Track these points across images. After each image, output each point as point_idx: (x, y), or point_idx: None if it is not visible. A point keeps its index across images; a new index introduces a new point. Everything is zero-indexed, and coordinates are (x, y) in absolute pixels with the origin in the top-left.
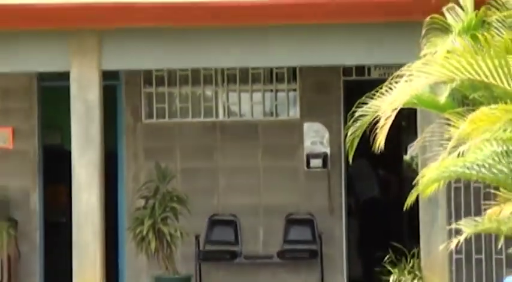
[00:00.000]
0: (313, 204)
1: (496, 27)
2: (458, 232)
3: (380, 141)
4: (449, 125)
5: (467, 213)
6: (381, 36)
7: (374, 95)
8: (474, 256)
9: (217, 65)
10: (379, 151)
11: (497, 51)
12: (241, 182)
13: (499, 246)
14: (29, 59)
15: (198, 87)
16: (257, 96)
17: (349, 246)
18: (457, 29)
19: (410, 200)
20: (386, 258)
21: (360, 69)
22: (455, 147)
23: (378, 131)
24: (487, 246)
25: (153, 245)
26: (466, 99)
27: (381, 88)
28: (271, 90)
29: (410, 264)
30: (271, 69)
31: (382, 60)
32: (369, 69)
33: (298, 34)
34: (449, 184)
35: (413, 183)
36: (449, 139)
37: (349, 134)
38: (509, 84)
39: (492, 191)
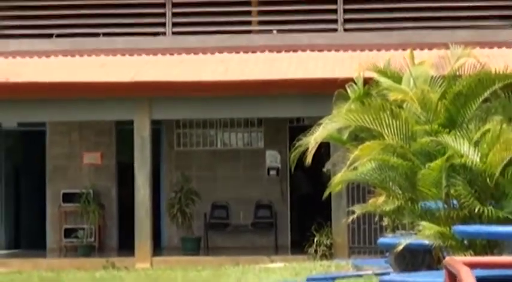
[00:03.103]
0: (271, 196)
1: (375, 96)
2: (353, 212)
3: (309, 159)
4: (348, 152)
5: (358, 201)
6: (310, 101)
7: (306, 134)
8: (362, 226)
9: (219, 116)
10: (308, 166)
11: (374, 109)
12: (230, 184)
13: (376, 220)
14: (110, 112)
15: (206, 129)
16: (239, 135)
17: (292, 221)
18: (353, 97)
19: (326, 194)
20: (312, 227)
21: (298, 119)
22: (351, 164)
23: (308, 153)
24: (369, 220)
25: (180, 220)
26: (357, 137)
27: (310, 130)
28: (248, 132)
29: (326, 231)
30: (247, 119)
31: (310, 114)
32: (303, 119)
33: (263, 100)
34: (348, 185)
35: (328, 184)
36: (348, 160)
37: (291, 157)
38: (380, 129)
39: (372, 188)
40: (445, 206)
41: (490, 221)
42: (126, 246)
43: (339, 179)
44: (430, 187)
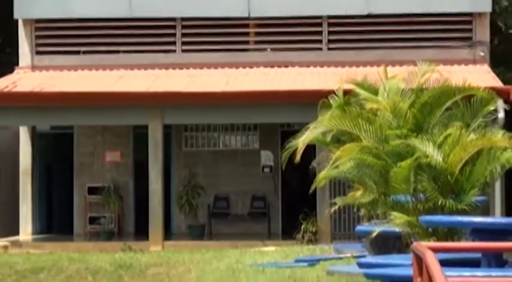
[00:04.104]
0: (265, 190)
1: (353, 105)
2: (335, 204)
3: (298, 158)
4: (331, 152)
5: (339, 195)
6: (298, 109)
7: (295, 137)
8: (342, 216)
9: (221, 121)
10: (297, 164)
11: (353, 116)
12: (230, 179)
13: (354, 211)
14: (128, 118)
15: (209, 132)
16: (238, 137)
17: (283, 211)
18: (335, 106)
19: (312, 188)
20: (300, 216)
21: (289, 125)
22: (334, 163)
23: (297, 153)
24: (348, 210)
25: (187, 210)
26: (339, 139)
27: (299, 133)
28: (245, 135)
29: (312, 220)
30: (245, 124)
31: (299, 120)
32: (293, 124)
33: (258, 108)
34: (331, 181)
35: (314, 180)
36: (331, 159)
37: (283, 156)
38: (358, 133)
39: (351, 184)
40: (413, 199)
41: (451, 212)
42: (141, 232)
43: (323, 175)
44: (400, 183)
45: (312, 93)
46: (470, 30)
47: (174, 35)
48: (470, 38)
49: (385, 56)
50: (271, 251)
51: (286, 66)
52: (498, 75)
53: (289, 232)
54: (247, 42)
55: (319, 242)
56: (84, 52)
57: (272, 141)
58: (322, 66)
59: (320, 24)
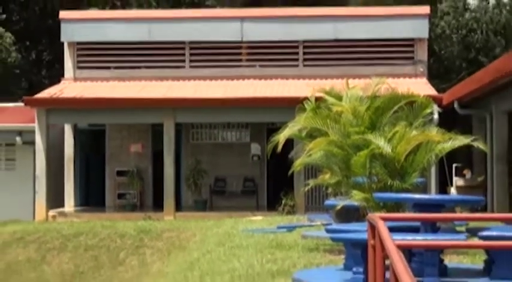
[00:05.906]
0: (254, 173)
1: (323, 109)
2: (308, 184)
3: (279, 148)
4: (305, 144)
5: (312, 177)
6: (280, 111)
7: (277, 133)
8: (314, 193)
9: (220, 121)
10: (279, 153)
11: (323, 117)
12: (227, 165)
13: (324, 189)
14: (148, 118)
15: (211, 129)
16: (233, 133)
17: (268, 189)
18: (309, 109)
19: (291, 172)
20: (281, 193)
21: (273, 123)
22: (307, 153)
23: (279, 144)
24: (319, 189)
25: (193, 188)
26: (311, 135)
27: (280, 130)
28: (239, 131)
29: (290, 196)
30: (238, 123)
31: (281, 120)
32: (276, 123)
33: (249, 110)
34: (305, 167)
35: (292, 166)
36: (305, 150)
37: (268, 148)
38: (327, 129)
39: (321, 169)
40: (368, 180)
41: (397, 190)
42: (158, 205)
43: (299, 162)
44: (358, 168)
45: (291, 99)
46: (412, 51)
47: (183, 54)
48: (412, 58)
49: (347, 71)
50: (259, 220)
51: (271, 79)
52: (433, 85)
53: (272, 205)
54: (240, 60)
55: (296, 213)
56: (115, 67)
57: (260, 136)
58: (298, 78)
59: (297, 47)
